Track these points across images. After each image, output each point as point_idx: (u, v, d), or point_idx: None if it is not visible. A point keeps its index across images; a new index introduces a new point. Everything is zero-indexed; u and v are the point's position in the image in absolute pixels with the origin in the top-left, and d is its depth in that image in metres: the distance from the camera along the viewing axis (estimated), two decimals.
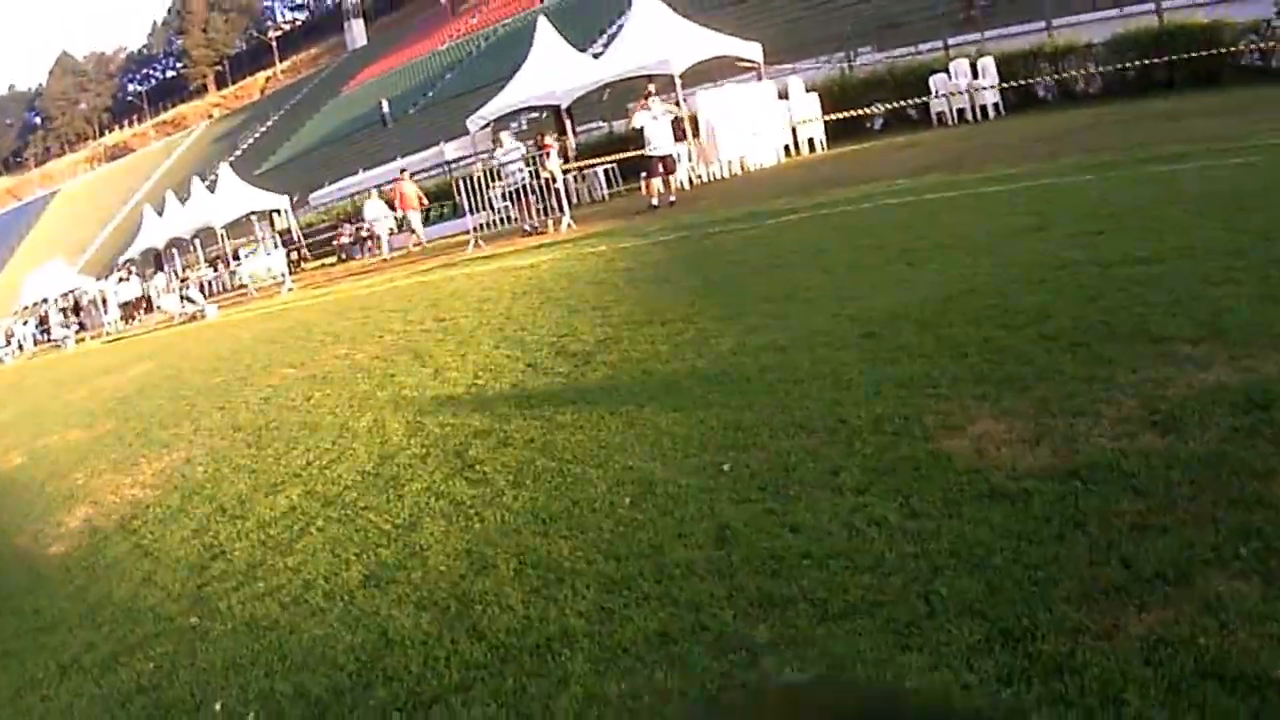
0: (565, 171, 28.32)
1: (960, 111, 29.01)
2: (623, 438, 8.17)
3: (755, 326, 10.56)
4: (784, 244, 15.47)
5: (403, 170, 35.53)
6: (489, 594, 6.02)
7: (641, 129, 25.93)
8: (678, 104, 28.50)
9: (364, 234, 39.59)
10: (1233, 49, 24.98)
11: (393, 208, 33.22)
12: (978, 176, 17.46)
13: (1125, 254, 9.94)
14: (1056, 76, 28.46)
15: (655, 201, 24.99)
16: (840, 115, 28.36)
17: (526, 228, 26.66)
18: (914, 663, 4.38)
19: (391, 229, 38.98)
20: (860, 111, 29.61)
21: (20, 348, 44.46)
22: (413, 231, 35.22)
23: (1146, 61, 25.89)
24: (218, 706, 5.62)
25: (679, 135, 27.47)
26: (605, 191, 32.48)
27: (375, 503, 8.21)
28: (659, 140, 25.51)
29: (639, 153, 26.07)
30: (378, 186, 33.45)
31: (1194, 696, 3.74)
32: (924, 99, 29.81)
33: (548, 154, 26.68)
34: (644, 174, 26.41)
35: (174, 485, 10.62)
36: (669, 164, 25.61)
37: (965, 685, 4.15)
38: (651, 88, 27.66)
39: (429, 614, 6.01)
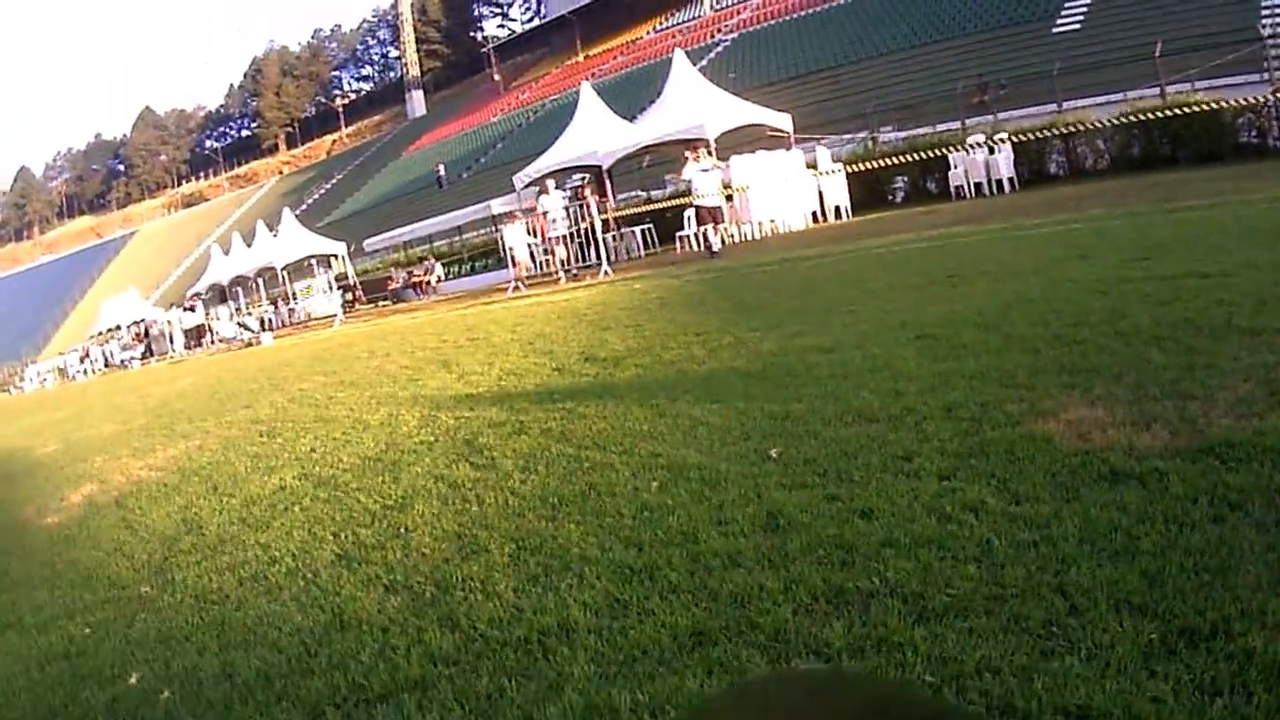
0: (604, 229, 27.18)
1: (977, 185, 27.83)
2: (651, 426, 6.49)
3: (797, 333, 8.89)
4: (820, 276, 13.90)
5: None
6: (474, 579, 4.38)
7: (690, 180, 24.60)
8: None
9: (414, 280, 38.83)
10: (1232, 122, 24.17)
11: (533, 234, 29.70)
12: (1008, 224, 15.92)
13: (1187, 269, 8.30)
14: (1066, 149, 27.51)
15: (716, 250, 23.44)
16: (864, 180, 26.96)
17: (563, 275, 25.49)
18: (1073, 671, 2.76)
19: (440, 276, 38.05)
20: (884, 175, 28.24)
21: (92, 369, 44.18)
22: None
23: (1152, 130, 25.06)
24: (134, 679, 4.23)
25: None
26: (641, 250, 31.22)
27: (369, 484, 6.66)
28: (706, 191, 24.16)
29: (686, 201, 24.96)
30: (524, 209, 30.99)
31: None
32: (943, 173, 28.63)
33: (588, 206, 25.67)
34: (696, 224, 25.40)
35: (178, 467, 9.33)
36: (716, 215, 24.31)
37: (1155, 698, 2.57)
38: (702, 147, 26.54)
39: (398, 598, 4.41)
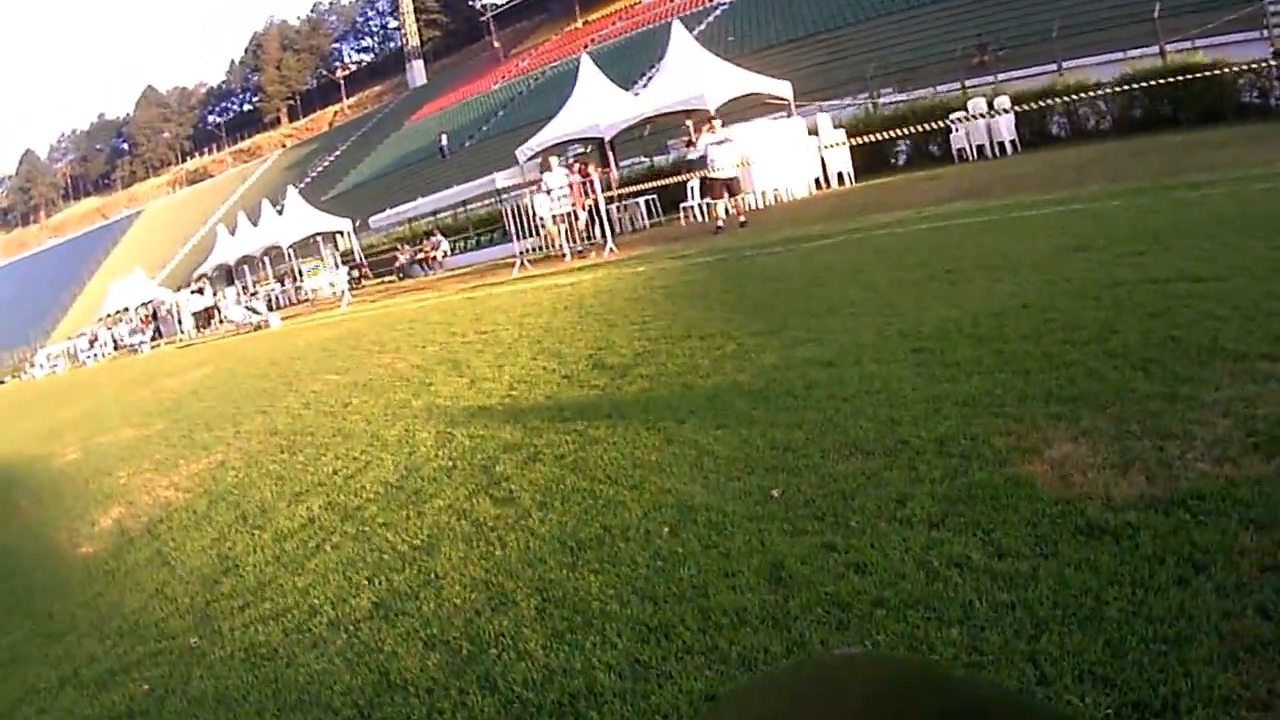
0: (609, 200, 27.42)
1: (980, 148, 28.08)
2: (660, 456, 6.89)
3: (798, 340, 9.27)
4: (821, 265, 14.18)
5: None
6: (506, 636, 4.78)
7: (705, 153, 24.83)
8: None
9: (420, 255, 39.06)
10: (1234, 82, 24.29)
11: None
12: (1006, 203, 16.23)
13: (1180, 272, 8.62)
14: (1068, 111, 27.64)
15: (721, 224, 23.89)
16: (866, 144, 27.09)
17: (568, 251, 25.78)
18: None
19: (446, 251, 38.30)
20: (886, 139, 28.39)
21: (102, 353, 44.50)
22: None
23: (1153, 93, 25.19)
24: None
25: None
26: (646, 221, 31.46)
27: (395, 519, 7.06)
28: (723, 163, 24.38)
29: (703, 174, 25.18)
30: (562, 161, 30.86)
31: None
32: (945, 134, 28.84)
33: (590, 182, 25.93)
34: (707, 198, 25.92)
35: (204, 489, 9.73)
36: (734, 186, 24.68)
37: None
38: (716, 119, 26.76)
39: (437, 654, 4.81)
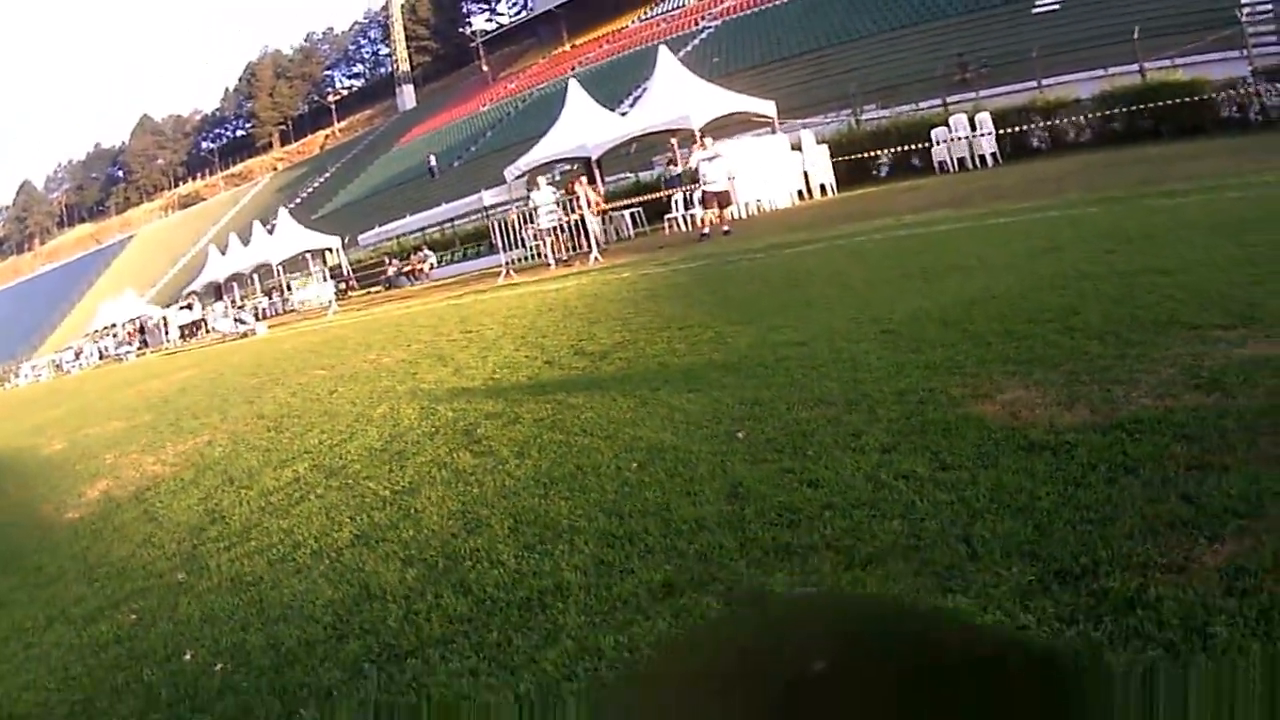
0: (596, 214, 27.89)
1: (960, 160, 28.44)
2: (634, 414, 7.20)
3: (773, 327, 9.54)
4: (801, 268, 14.45)
5: (596, 164, 33.68)
6: (480, 551, 5.10)
7: (697, 167, 25.41)
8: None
9: (407, 268, 39.34)
10: (1213, 99, 24.61)
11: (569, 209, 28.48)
12: (984, 210, 16.50)
13: (1146, 265, 8.85)
14: (1048, 125, 27.98)
15: (706, 231, 24.46)
16: (849, 158, 27.41)
17: (553, 260, 26.10)
18: (959, 606, 3.47)
19: (433, 264, 38.58)
20: (869, 153, 28.75)
21: (86, 362, 44.77)
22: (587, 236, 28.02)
23: (1133, 109, 25.52)
24: (188, 656, 4.87)
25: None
26: (631, 231, 31.83)
27: (378, 473, 7.35)
28: (714, 176, 24.99)
29: (702, 188, 25.63)
30: (550, 179, 31.11)
31: None
32: (927, 147, 29.23)
33: (577, 199, 26.42)
34: (701, 206, 26.08)
35: (191, 463, 9.97)
36: (724, 198, 25.32)
37: (1022, 627, 3.26)
38: (706, 135, 27.31)
39: (414, 569, 5.12)
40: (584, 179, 30.58)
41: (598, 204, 28.84)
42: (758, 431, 5.99)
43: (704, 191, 25.35)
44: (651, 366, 8.94)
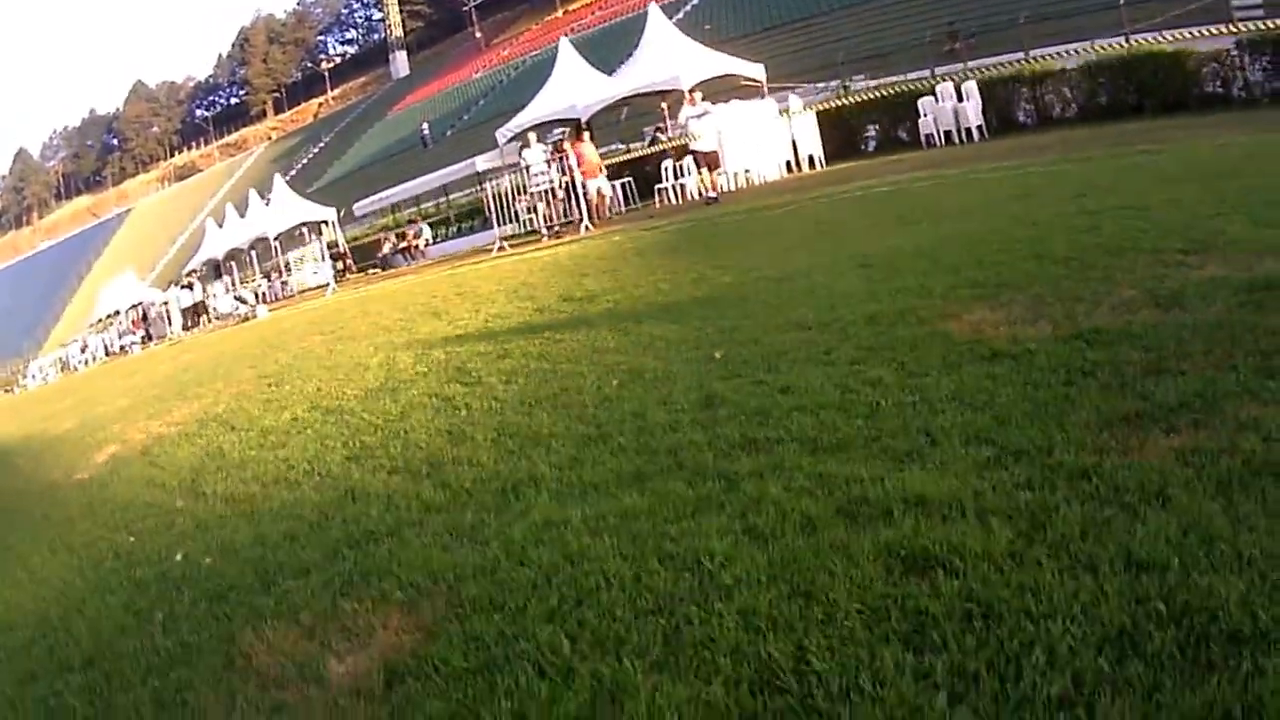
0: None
1: (947, 133, 28.38)
2: (617, 343, 7.38)
3: (755, 266, 9.70)
4: (785, 222, 14.61)
5: (586, 126, 32.47)
6: (462, 458, 5.28)
7: (686, 123, 24.84)
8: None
9: (402, 245, 39.23)
10: (1196, 71, 24.55)
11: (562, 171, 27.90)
12: (964, 169, 16.61)
13: (1115, 205, 8.97)
14: (1034, 97, 27.96)
15: (715, 195, 23.40)
16: (836, 130, 27.40)
17: (545, 232, 25.96)
18: (916, 478, 3.61)
19: (428, 239, 38.54)
20: (856, 125, 28.75)
21: (93, 357, 44.56)
22: (601, 197, 27.53)
23: (1118, 82, 25.49)
24: (179, 557, 5.06)
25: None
26: (623, 205, 31.73)
27: (373, 408, 7.48)
28: (702, 134, 24.13)
29: (663, 147, 25.15)
30: (545, 144, 30.61)
31: (1250, 490, 3.05)
32: (914, 121, 29.22)
33: (567, 158, 25.99)
34: (692, 170, 25.55)
35: (195, 419, 10.05)
36: (712, 159, 24.27)
37: (976, 492, 3.40)
38: (696, 91, 26.89)
39: (399, 477, 5.29)
40: (585, 137, 30.06)
41: (598, 165, 28.49)
42: (734, 352, 6.13)
43: (693, 151, 24.76)
44: (637, 306, 9.10)
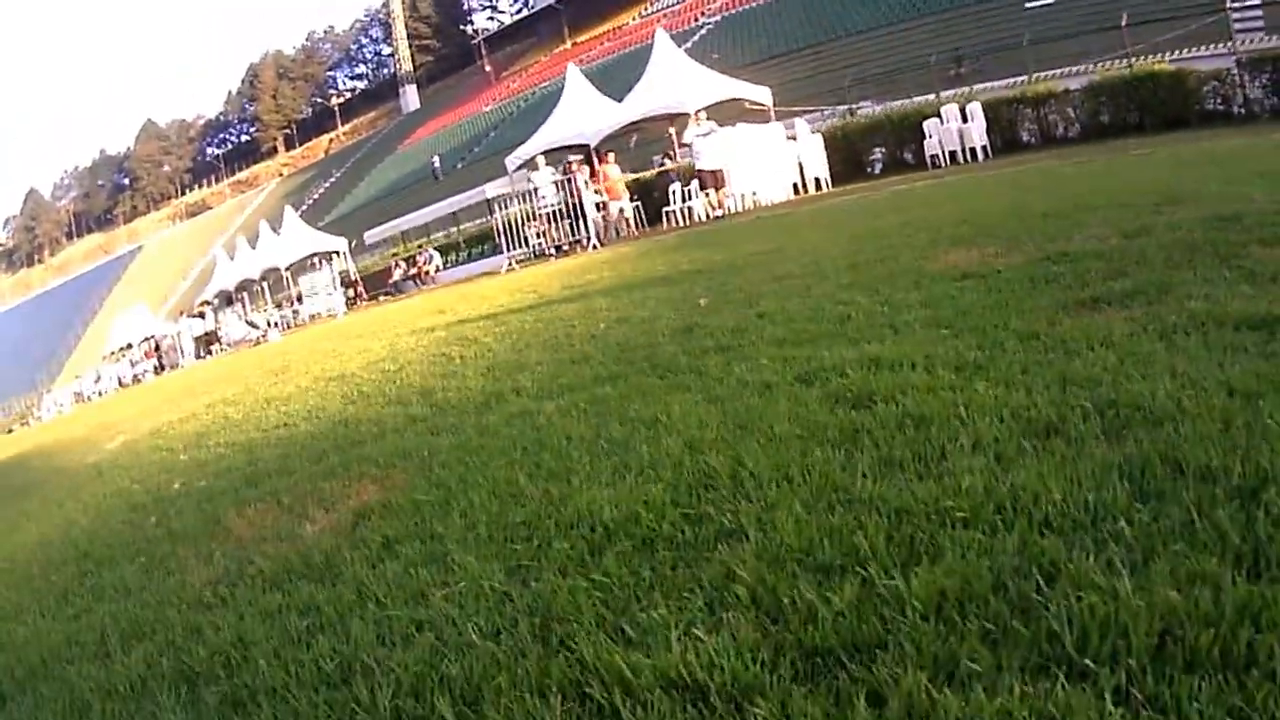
0: (597, 208, 27.70)
1: (952, 154, 28.52)
2: (609, 303, 7.62)
3: (749, 250, 9.85)
4: (783, 221, 14.88)
5: (608, 150, 32.28)
6: (450, 385, 5.49)
7: (690, 145, 24.91)
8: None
9: (413, 271, 39.48)
10: (1198, 90, 24.68)
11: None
12: (963, 175, 16.91)
13: (1098, 183, 9.39)
14: (1038, 116, 28.10)
15: (721, 213, 23.53)
16: (843, 153, 27.58)
17: (553, 251, 26.10)
18: (873, 349, 3.80)
19: (438, 265, 38.79)
20: (862, 148, 28.90)
21: (107, 388, 44.79)
22: (624, 217, 28.48)
23: (1120, 101, 25.63)
24: (176, 486, 5.26)
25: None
26: (633, 228, 31.94)
27: (374, 374, 7.64)
28: (707, 154, 24.44)
29: (671, 168, 25.19)
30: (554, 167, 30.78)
31: (1192, 334, 3.23)
32: (919, 143, 29.38)
33: (574, 178, 26.13)
34: (708, 189, 24.88)
35: (205, 407, 10.19)
36: (718, 178, 24.34)
37: (928, 355, 3.56)
38: (701, 111, 27.05)
39: (391, 406, 5.48)
40: (610, 158, 30.12)
41: (622, 186, 28.50)
42: (718, 297, 6.32)
43: (699, 171, 24.79)
44: (630, 281, 9.40)
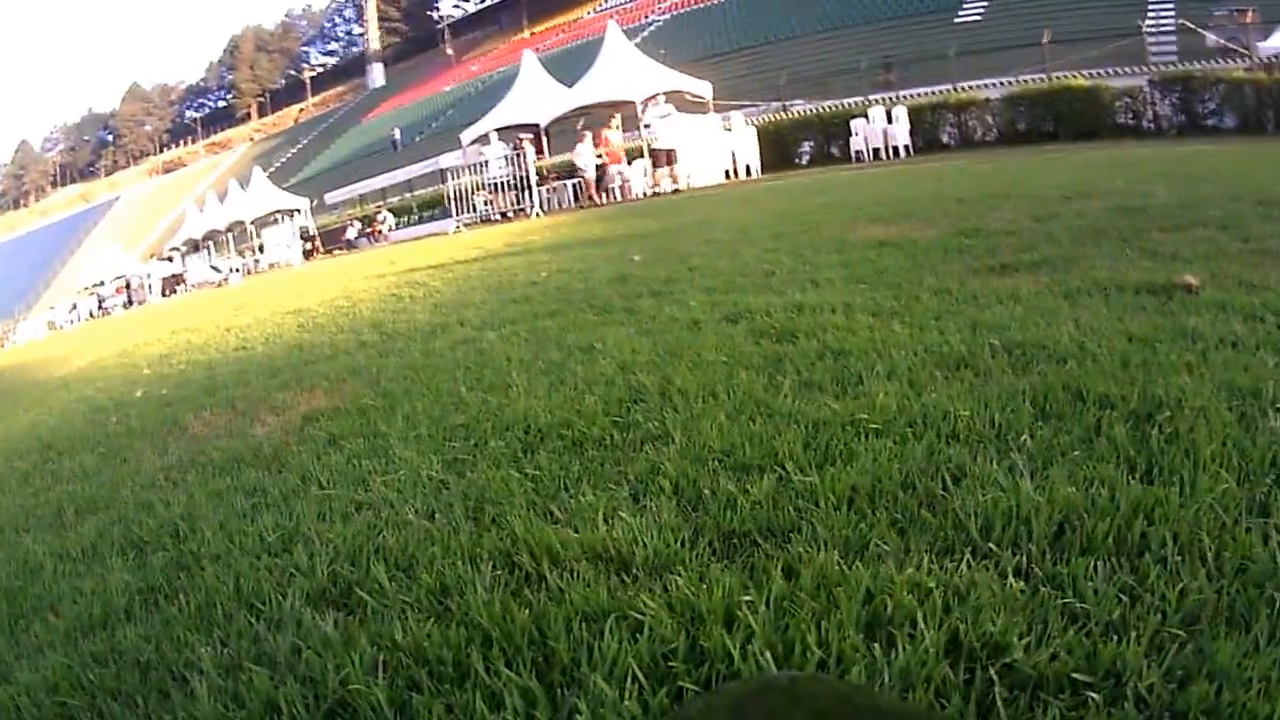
0: (540, 182, 27.64)
1: (876, 151, 28.65)
2: (550, 258, 7.60)
3: (680, 221, 9.84)
4: (718, 198, 14.77)
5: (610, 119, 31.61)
6: (400, 321, 5.46)
7: (649, 125, 24.99)
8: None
9: (367, 230, 39.25)
10: (1110, 104, 24.95)
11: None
12: (886, 168, 16.98)
13: (1014, 177, 9.40)
14: (959, 121, 28.30)
15: (679, 186, 23.74)
16: (774, 145, 27.68)
17: (497, 215, 26.04)
18: (795, 297, 3.83)
19: (391, 225, 38.56)
20: (792, 140, 29.01)
21: (80, 318, 44.32)
22: (625, 181, 26.57)
23: (1037, 109, 25.88)
24: (139, 393, 5.24)
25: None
26: (572, 202, 31.84)
27: (327, 310, 7.50)
28: (662, 134, 24.61)
29: (650, 144, 25.17)
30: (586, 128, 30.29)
31: (1095, 296, 3.29)
32: (846, 139, 29.48)
33: (524, 156, 26.16)
34: (652, 165, 25.20)
35: (169, 332, 10.16)
36: (671, 156, 24.64)
37: (846, 303, 3.60)
38: (659, 95, 27.03)
39: (344, 335, 5.45)
40: (613, 124, 29.81)
41: (623, 152, 28.15)
42: (651, 256, 6.31)
43: (653, 150, 25.02)
44: (571, 242, 9.37)
